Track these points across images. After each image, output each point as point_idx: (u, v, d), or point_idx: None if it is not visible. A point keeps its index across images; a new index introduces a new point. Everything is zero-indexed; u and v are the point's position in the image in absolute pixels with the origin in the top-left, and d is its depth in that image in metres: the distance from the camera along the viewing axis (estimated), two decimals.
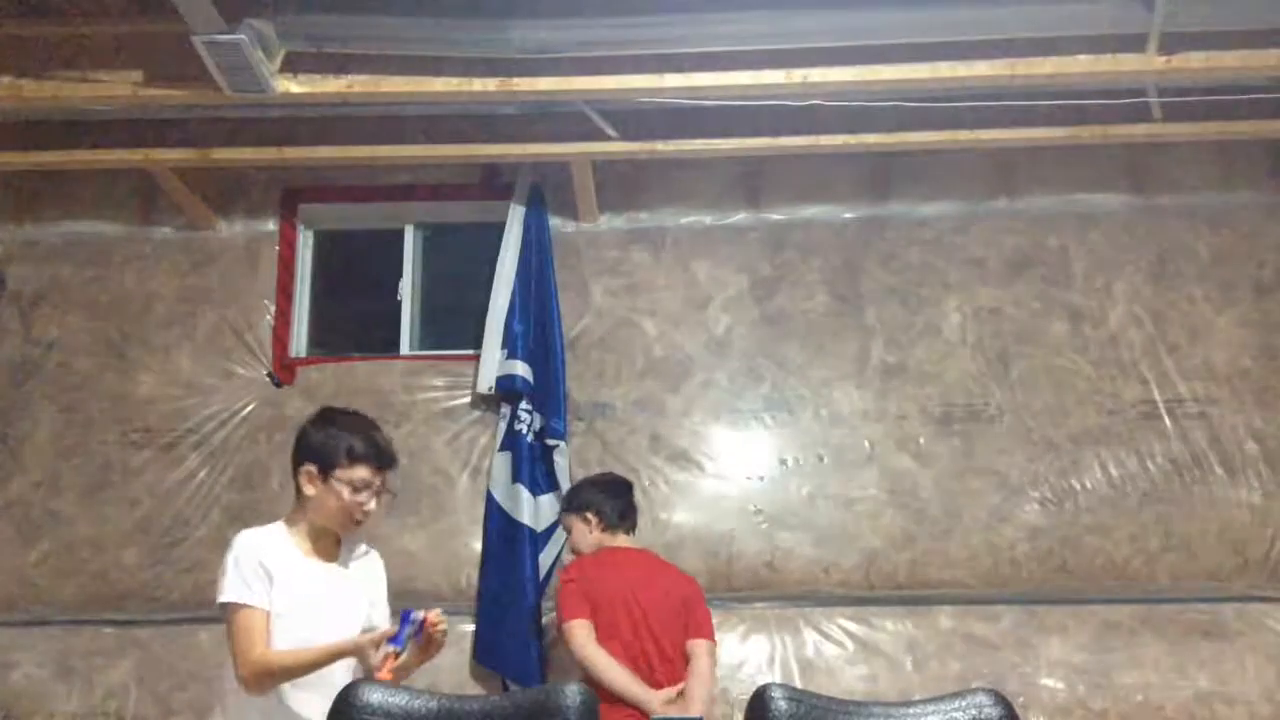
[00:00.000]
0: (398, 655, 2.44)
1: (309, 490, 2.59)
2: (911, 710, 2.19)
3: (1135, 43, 3.46)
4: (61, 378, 4.46)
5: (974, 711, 2.13)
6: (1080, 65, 3.53)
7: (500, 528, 4.08)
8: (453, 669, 4.02)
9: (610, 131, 3.99)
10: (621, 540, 3.69)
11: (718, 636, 3.69)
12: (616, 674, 3.36)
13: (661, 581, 3.61)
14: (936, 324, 4.39)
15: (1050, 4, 3.35)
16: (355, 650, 2.47)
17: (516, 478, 4.08)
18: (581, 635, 3.42)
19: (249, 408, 4.39)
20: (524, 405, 4.15)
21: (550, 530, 4.08)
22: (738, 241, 4.54)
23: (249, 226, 4.66)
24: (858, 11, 3.37)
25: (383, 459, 2.63)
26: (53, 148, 4.13)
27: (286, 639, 2.47)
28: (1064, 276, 4.43)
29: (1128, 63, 3.52)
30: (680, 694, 3.38)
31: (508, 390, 4.18)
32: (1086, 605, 4.12)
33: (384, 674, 2.39)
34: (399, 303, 4.65)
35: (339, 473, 2.57)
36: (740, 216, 4.57)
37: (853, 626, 4.13)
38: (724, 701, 3.97)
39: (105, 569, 4.22)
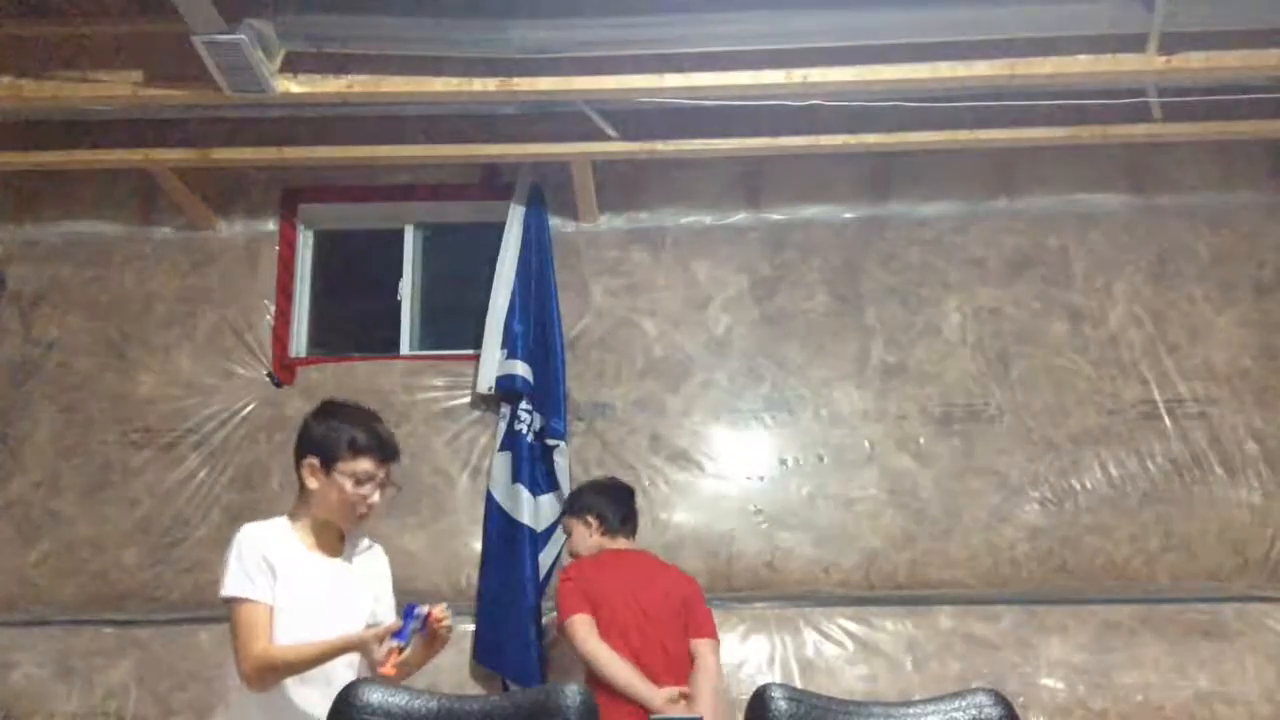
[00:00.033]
0: (402, 650, 2.42)
1: (311, 483, 2.57)
2: (911, 710, 2.19)
3: (1135, 43, 3.46)
4: (61, 378, 4.46)
5: (974, 711, 2.13)
6: (1080, 65, 3.53)
7: (500, 528, 4.08)
8: (453, 669, 4.02)
9: (610, 131, 3.99)
10: (621, 544, 3.70)
11: (714, 621, 3.68)
12: (619, 669, 3.35)
13: (662, 582, 3.61)
14: (936, 324, 4.40)
15: (1050, 4, 3.35)
16: (359, 645, 2.44)
17: (516, 478, 4.08)
18: (583, 630, 3.42)
19: (249, 408, 4.39)
20: (524, 405, 4.15)
21: (550, 530, 4.08)
22: (738, 241, 4.54)
23: (249, 226, 4.66)
24: (858, 11, 3.37)
25: (385, 451, 2.61)
26: (53, 148, 4.13)
27: (289, 634, 2.45)
28: (1064, 276, 4.43)
29: (1128, 63, 3.52)
30: (683, 694, 3.38)
31: (508, 390, 4.18)
32: (1086, 605, 4.12)
33: (387, 669, 2.38)
34: (399, 303, 4.65)
35: (341, 465, 2.55)
36: (740, 216, 4.57)
37: (853, 626, 4.13)
38: (723, 701, 3.97)
39: (105, 569, 4.22)
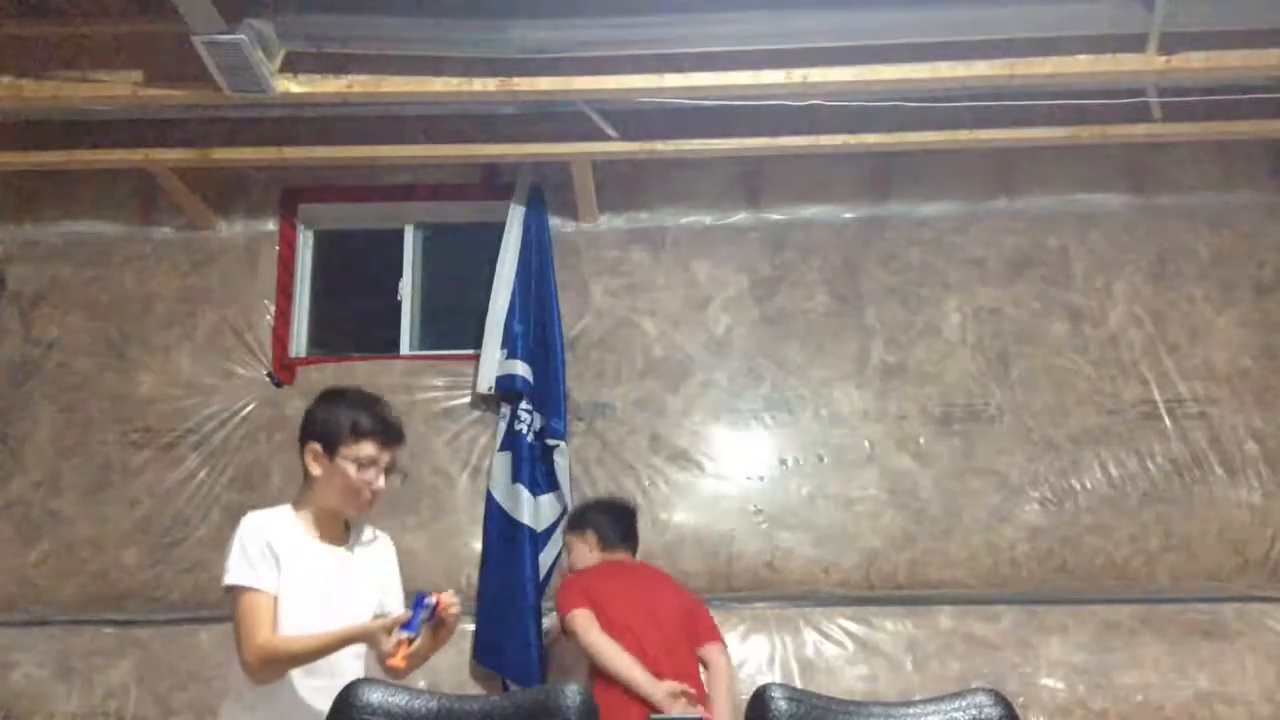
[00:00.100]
0: (411, 642, 2.37)
1: (315, 469, 2.53)
2: (911, 710, 2.19)
3: (1135, 43, 3.46)
4: (61, 378, 4.46)
5: (974, 711, 2.13)
6: (1080, 65, 3.53)
7: (500, 528, 4.08)
8: (453, 669, 4.02)
9: (610, 131, 3.99)
10: (620, 557, 3.72)
11: (717, 626, 3.71)
12: (621, 660, 3.34)
13: (667, 589, 3.67)
14: (936, 324, 4.40)
15: (1050, 4, 3.35)
16: (366, 636, 2.40)
17: (516, 478, 4.08)
18: (584, 623, 3.42)
19: (249, 408, 4.39)
20: (524, 405, 4.15)
21: (550, 530, 4.08)
22: (738, 241, 4.54)
23: (249, 226, 4.66)
24: (858, 11, 3.37)
25: (389, 434, 2.57)
26: (53, 148, 4.13)
27: (293, 623, 2.41)
28: (1064, 276, 4.43)
29: (1128, 63, 3.52)
30: (685, 692, 3.37)
31: (508, 390, 4.18)
32: (1086, 605, 4.12)
33: (396, 661, 2.34)
34: (399, 303, 4.65)
35: (344, 449, 2.51)
36: (740, 216, 4.57)
37: (853, 626, 4.13)
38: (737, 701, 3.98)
39: (105, 569, 4.22)
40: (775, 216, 4.57)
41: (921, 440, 4.27)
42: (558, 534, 4.05)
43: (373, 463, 2.53)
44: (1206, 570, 4.09)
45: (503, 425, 4.18)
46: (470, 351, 4.38)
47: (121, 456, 4.35)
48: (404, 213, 4.74)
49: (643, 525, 4.02)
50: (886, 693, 3.95)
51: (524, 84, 3.60)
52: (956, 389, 4.31)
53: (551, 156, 4.21)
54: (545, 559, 4.06)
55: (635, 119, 3.98)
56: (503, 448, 4.15)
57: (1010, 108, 3.84)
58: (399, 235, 4.76)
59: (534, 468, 4.11)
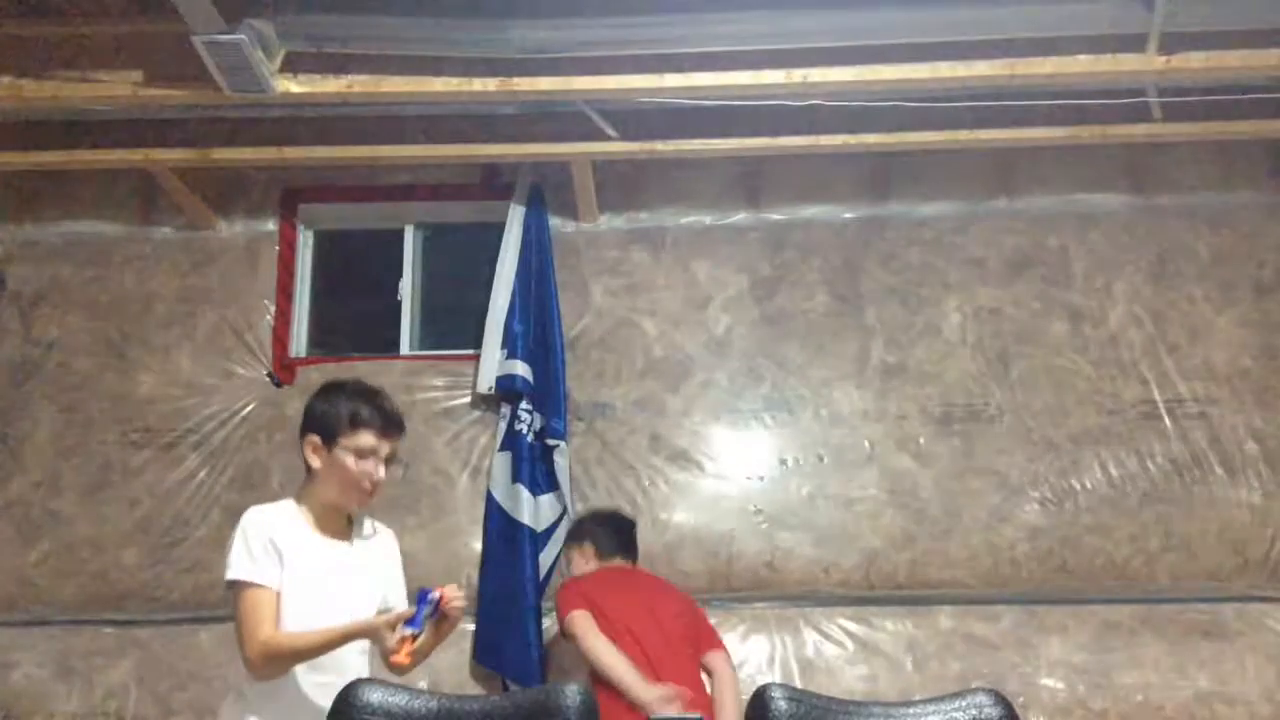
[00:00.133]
0: (415, 638, 2.36)
1: (314, 462, 2.52)
2: (911, 710, 2.19)
3: (1135, 43, 3.46)
4: (61, 378, 4.46)
5: (974, 711, 2.13)
6: (1080, 65, 3.53)
7: (500, 528, 4.08)
8: (453, 669, 4.02)
9: (610, 131, 3.99)
10: (618, 564, 3.74)
11: (718, 632, 3.74)
12: (617, 663, 3.33)
13: (664, 592, 3.68)
14: (936, 324, 4.40)
15: (1050, 4, 3.35)
16: (370, 632, 2.38)
17: (516, 478, 4.08)
18: (583, 625, 3.42)
19: (249, 408, 4.39)
20: (524, 405, 4.15)
21: (550, 530, 4.09)
22: (738, 241, 4.54)
23: (249, 226, 4.66)
24: (858, 11, 3.37)
25: (388, 424, 2.55)
26: (53, 148, 4.13)
27: (296, 619, 2.40)
28: (1064, 276, 4.43)
29: (1128, 63, 3.52)
30: (679, 695, 3.36)
31: (508, 390, 4.18)
32: (1086, 605, 4.11)
33: (400, 657, 2.34)
34: (399, 303, 4.65)
35: (343, 440, 2.50)
36: (740, 216, 4.57)
37: (853, 626, 4.13)
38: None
39: (105, 569, 4.22)
40: (775, 216, 4.57)
41: (921, 440, 4.27)
42: (558, 534, 4.06)
43: (372, 452, 2.52)
44: (1206, 570, 4.09)
45: (503, 425, 4.18)
46: (470, 351, 4.38)
47: (121, 456, 4.35)
48: (404, 213, 4.74)
49: (643, 525, 4.03)
50: (886, 693, 3.95)
51: (524, 84, 3.60)
52: (956, 389, 4.31)
53: (551, 156, 4.21)
54: (545, 559, 4.06)
55: (635, 119, 3.98)
56: (503, 448, 4.15)
57: (1010, 108, 3.84)
58: (399, 235, 4.76)
59: (534, 468, 4.11)
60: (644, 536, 3.97)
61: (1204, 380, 4.27)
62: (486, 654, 4.01)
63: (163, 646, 4.16)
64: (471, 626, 4.03)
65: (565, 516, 4.10)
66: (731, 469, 4.27)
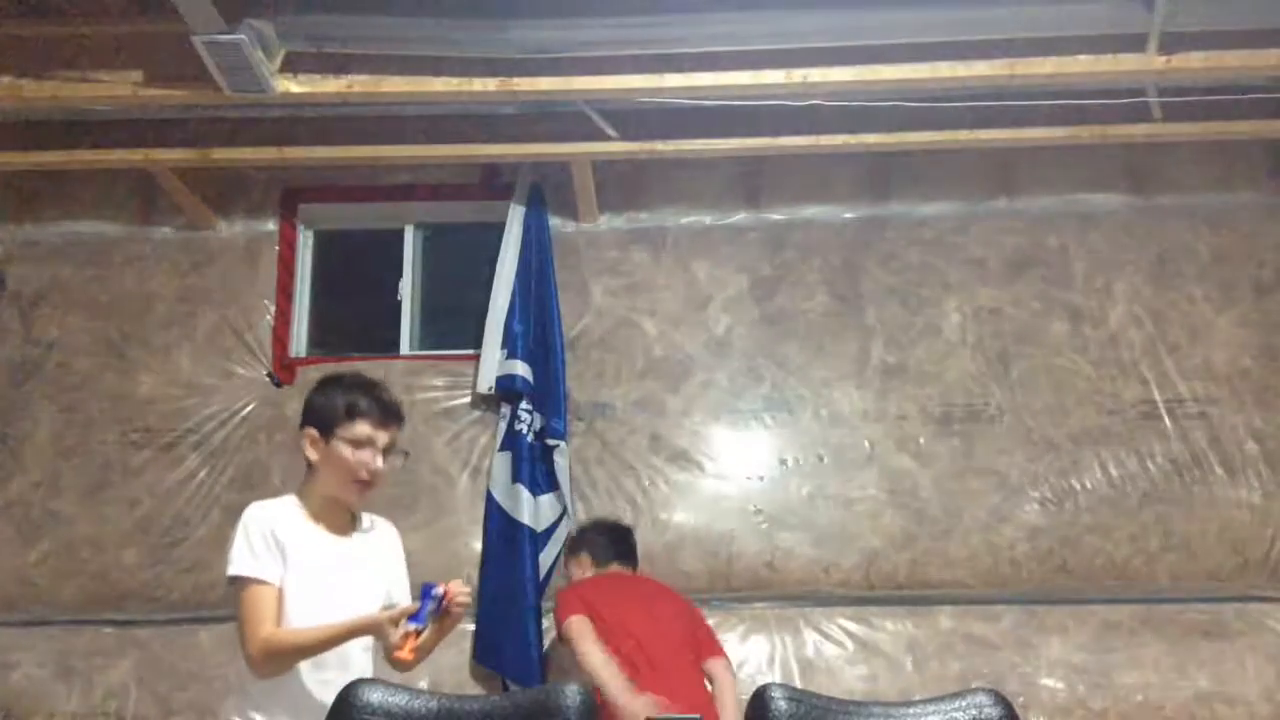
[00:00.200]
0: (419, 634, 2.34)
1: (313, 455, 2.51)
2: (911, 710, 2.19)
3: (1135, 43, 3.46)
4: (61, 378, 4.46)
5: (974, 711, 2.13)
6: (1080, 65, 3.53)
7: (500, 528, 4.08)
8: (453, 669, 4.02)
9: (610, 131, 3.99)
10: (616, 569, 3.74)
11: (718, 637, 3.75)
12: (606, 671, 3.32)
13: (664, 596, 3.68)
14: (936, 324, 4.40)
15: (1050, 4, 3.35)
16: (373, 628, 2.36)
17: (516, 478, 4.08)
18: (579, 630, 3.42)
19: (249, 408, 4.39)
20: (524, 405, 4.15)
21: (550, 530, 4.09)
22: (738, 241, 4.54)
23: (249, 226, 4.66)
24: (858, 11, 3.36)
25: (385, 413, 2.53)
26: (53, 148, 4.13)
27: (298, 615, 2.39)
28: (1064, 276, 4.43)
29: (1128, 63, 3.52)
30: (661, 706, 3.32)
31: (508, 390, 4.18)
32: (1086, 605, 4.12)
33: (404, 654, 2.32)
34: (399, 303, 4.65)
35: (340, 431, 2.48)
36: (740, 216, 4.57)
37: (853, 626, 4.13)
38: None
39: (105, 569, 4.22)
40: (775, 216, 4.57)
41: (921, 440, 4.27)
42: (558, 534, 4.06)
43: (369, 442, 2.49)
44: (1206, 570, 4.09)
45: (503, 425, 4.18)
46: (470, 351, 4.38)
47: (121, 456, 4.35)
48: (404, 213, 4.74)
49: (643, 525, 4.03)
50: (886, 693, 3.95)
51: (524, 84, 3.60)
52: (956, 389, 4.31)
53: (551, 156, 4.21)
54: (545, 559, 4.06)
55: (635, 119, 3.98)
56: (503, 448, 4.15)
57: (1010, 108, 3.84)
58: (399, 235, 4.76)
59: (534, 468, 4.11)
60: (644, 536, 3.97)
61: (1204, 380, 4.27)
62: (486, 654, 4.01)
63: (163, 646, 4.16)
64: (472, 626, 4.03)
65: (565, 516, 4.10)
66: (731, 469, 4.27)
